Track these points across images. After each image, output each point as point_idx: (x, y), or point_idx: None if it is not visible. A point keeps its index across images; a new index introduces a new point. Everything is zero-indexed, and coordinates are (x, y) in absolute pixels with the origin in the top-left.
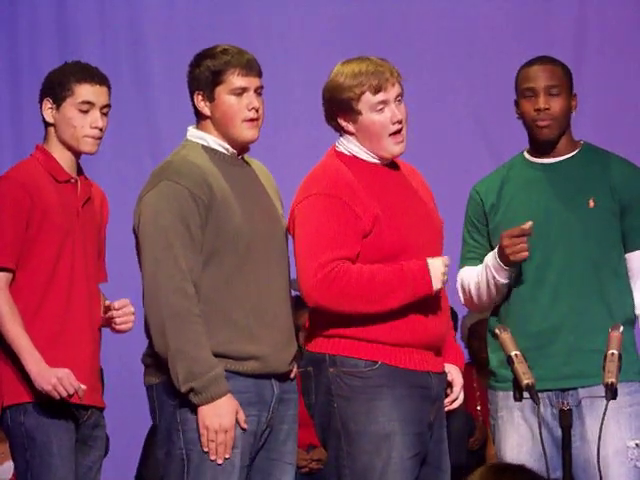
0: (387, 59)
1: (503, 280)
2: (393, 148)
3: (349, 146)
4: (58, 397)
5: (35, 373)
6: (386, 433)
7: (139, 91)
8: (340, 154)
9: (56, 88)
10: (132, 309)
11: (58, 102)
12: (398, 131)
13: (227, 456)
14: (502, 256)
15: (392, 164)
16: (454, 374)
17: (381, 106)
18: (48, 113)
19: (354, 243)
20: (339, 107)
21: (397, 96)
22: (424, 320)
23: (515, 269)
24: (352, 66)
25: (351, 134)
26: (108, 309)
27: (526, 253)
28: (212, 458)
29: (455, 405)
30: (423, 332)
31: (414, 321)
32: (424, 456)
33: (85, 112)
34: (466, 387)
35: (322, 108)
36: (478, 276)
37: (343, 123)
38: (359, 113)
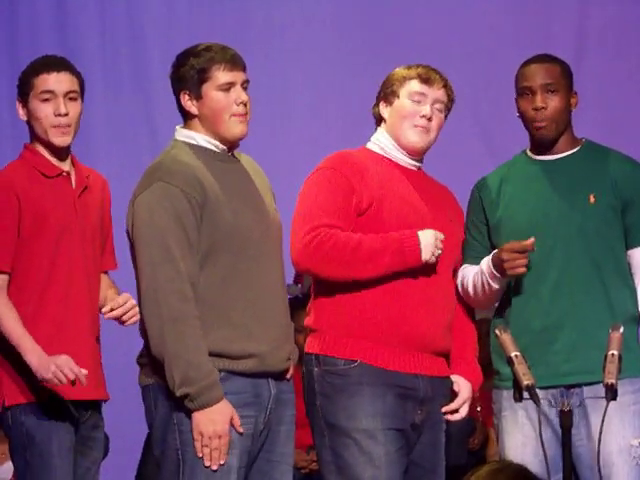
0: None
1: (496, 286)
2: (411, 135)
3: (378, 137)
4: (59, 384)
5: (36, 365)
6: (366, 429)
7: (139, 91)
8: (366, 149)
9: (21, 87)
10: (133, 302)
11: (25, 100)
12: (424, 127)
13: (221, 462)
14: (498, 266)
15: (423, 176)
16: (461, 386)
17: (419, 97)
18: (21, 113)
19: (346, 215)
20: (384, 90)
21: (438, 101)
22: (414, 321)
23: (505, 280)
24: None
25: (384, 122)
26: (111, 310)
27: (524, 269)
28: (206, 464)
29: (455, 417)
30: (411, 333)
31: (403, 321)
32: (409, 453)
33: (47, 101)
34: None
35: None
36: (474, 278)
37: (382, 108)
38: (397, 96)
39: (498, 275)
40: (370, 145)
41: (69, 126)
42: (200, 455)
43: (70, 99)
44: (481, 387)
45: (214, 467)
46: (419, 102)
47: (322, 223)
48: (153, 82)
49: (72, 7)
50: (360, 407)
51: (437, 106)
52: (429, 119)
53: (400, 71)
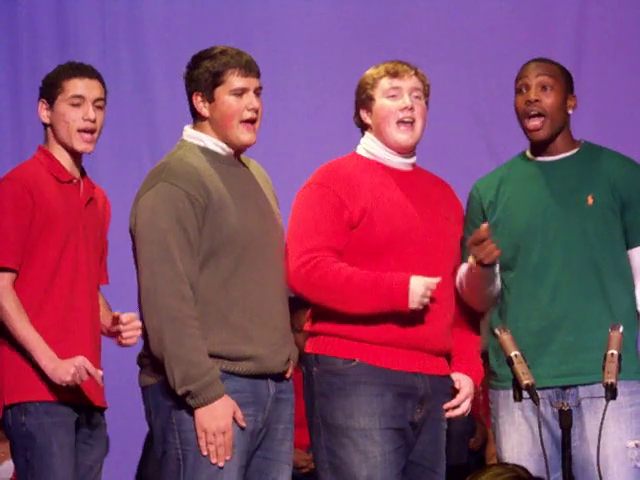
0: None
1: (485, 280)
2: (397, 135)
3: (366, 142)
4: (78, 384)
5: (51, 369)
6: (362, 428)
7: (139, 91)
8: (357, 155)
9: (48, 88)
10: (139, 324)
11: (51, 101)
12: (408, 122)
13: (227, 458)
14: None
15: (418, 174)
16: (462, 383)
17: (394, 92)
18: (44, 114)
19: (339, 232)
20: (360, 98)
21: (414, 89)
22: (414, 322)
23: (493, 267)
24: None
25: (369, 128)
26: (116, 321)
27: (497, 251)
28: (212, 461)
29: (456, 413)
30: (408, 333)
31: (399, 321)
32: (407, 453)
33: (77, 106)
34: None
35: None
36: (466, 275)
37: (363, 115)
38: (373, 99)
39: (480, 270)
40: (359, 150)
41: (94, 132)
42: (205, 453)
43: (97, 107)
44: (485, 388)
45: (220, 464)
46: (395, 97)
47: (315, 246)
48: (154, 83)
49: (72, 7)
50: (357, 406)
51: (415, 94)
52: (411, 109)
53: (368, 74)
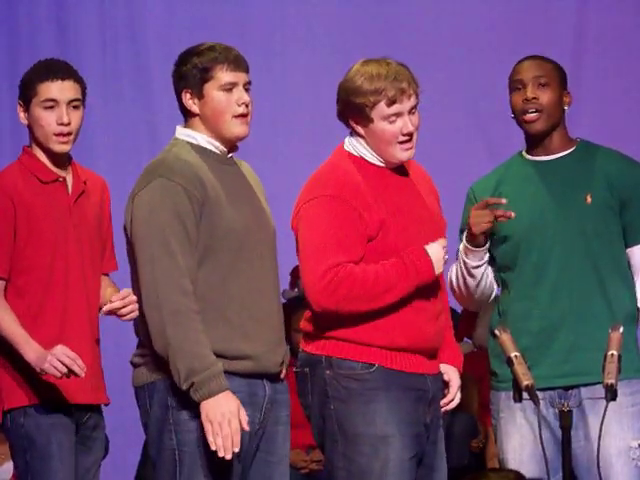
0: (407, 65)
1: (472, 263)
2: (401, 154)
3: (358, 147)
4: (59, 374)
5: (34, 358)
6: (383, 435)
7: (139, 91)
8: (349, 154)
9: (24, 90)
10: (134, 297)
11: (27, 104)
12: (408, 140)
13: (235, 449)
14: (468, 236)
15: (399, 167)
16: (451, 375)
17: (394, 118)
18: (22, 116)
19: (359, 247)
20: (352, 110)
21: (412, 108)
22: (420, 325)
23: (483, 251)
24: (371, 69)
25: (360, 136)
26: (111, 312)
27: (488, 224)
28: (220, 454)
29: (452, 406)
30: (419, 337)
31: (410, 326)
32: (421, 457)
33: (50, 109)
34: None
35: (335, 104)
36: (455, 266)
37: (353, 125)
38: (371, 120)
39: (470, 247)
40: (350, 149)
41: (70, 134)
42: (214, 447)
43: (73, 107)
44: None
45: (228, 456)
46: (395, 121)
47: (337, 262)
48: (153, 83)
49: (72, 7)
50: (378, 413)
51: (413, 111)
52: (410, 133)
53: (363, 90)
